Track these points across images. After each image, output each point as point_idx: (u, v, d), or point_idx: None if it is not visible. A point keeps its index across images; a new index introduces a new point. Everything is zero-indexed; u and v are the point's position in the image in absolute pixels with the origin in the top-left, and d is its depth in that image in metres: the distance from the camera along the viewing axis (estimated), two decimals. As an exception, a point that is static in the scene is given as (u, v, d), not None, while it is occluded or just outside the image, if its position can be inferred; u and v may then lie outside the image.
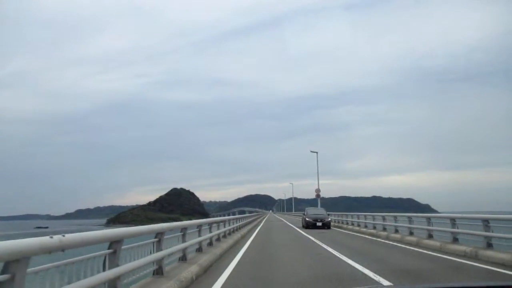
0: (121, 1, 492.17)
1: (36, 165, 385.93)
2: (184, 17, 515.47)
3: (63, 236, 3.49)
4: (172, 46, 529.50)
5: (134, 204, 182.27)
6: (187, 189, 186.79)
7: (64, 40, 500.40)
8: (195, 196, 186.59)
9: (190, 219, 13.41)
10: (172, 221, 10.95)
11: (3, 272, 2.95)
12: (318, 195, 45.59)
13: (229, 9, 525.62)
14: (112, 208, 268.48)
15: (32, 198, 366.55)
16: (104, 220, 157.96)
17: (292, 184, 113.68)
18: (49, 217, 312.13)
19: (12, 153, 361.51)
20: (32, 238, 3.19)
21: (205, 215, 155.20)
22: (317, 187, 45.99)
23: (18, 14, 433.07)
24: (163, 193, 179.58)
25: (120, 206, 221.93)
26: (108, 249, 4.90)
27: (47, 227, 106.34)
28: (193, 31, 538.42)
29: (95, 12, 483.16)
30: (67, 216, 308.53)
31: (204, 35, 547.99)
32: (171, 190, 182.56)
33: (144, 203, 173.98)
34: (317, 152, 45.68)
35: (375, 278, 7.20)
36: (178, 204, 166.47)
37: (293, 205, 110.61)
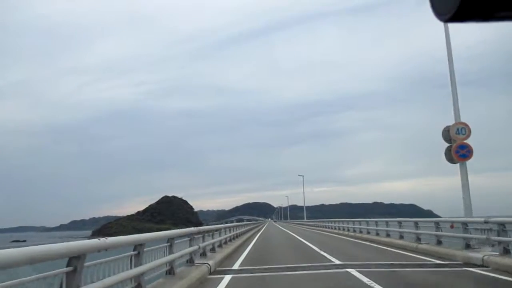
0: (120, 9, 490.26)
1: (32, 175, 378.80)
2: (184, 24, 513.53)
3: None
4: (171, 53, 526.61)
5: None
6: (179, 196, 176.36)
7: (63, 48, 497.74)
8: (188, 204, 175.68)
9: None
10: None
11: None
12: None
13: (230, 16, 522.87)
14: (107, 218, 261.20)
15: (27, 210, 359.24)
16: (90, 232, 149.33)
17: (302, 176, 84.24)
18: (44, 229, 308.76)
19: (6, 164, 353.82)
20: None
21: (199, 224, 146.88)
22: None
23: (17, 23, 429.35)
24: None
25: (116, 217, 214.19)
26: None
27: (24, 241, 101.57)
28: (192, 38, 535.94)
29: (94, 20, 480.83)
30: (61, 227, 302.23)
31: (204, 42, 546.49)
32: (162, 198, 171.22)
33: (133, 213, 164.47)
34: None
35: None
36: (170, 213, 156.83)
37: (304, 210, 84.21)
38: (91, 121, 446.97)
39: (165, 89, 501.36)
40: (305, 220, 66.37)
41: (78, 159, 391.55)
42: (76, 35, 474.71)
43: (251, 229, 35.49)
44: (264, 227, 55.39)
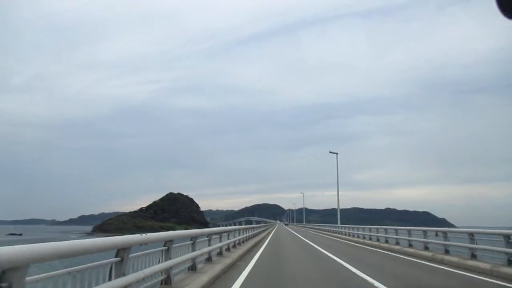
0: (134, 7, 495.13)
1: (45, 170, 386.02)
2: (197, 23, 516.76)
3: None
4: (184, 52, 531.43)
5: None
6: (185, 194, 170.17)
7: (77, 46, 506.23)
8: (194, 202, 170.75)
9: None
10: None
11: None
12: None
13: (243, 16, 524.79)
14: (116, 214, 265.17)
15: (40, 203, 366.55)
16: (91, 228, 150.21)
17: (336, 153, 49.92)
18: (54, 222, 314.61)
19: (21, 157, 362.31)
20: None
21: (204, 224, 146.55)
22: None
23: (33, 20, 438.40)
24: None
25: (125, 213, 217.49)
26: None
27: (20, 234, 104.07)
28: (205, 38, 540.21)
29: (108, 18, 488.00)
30: (70, 221, 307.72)
31: (216, 42, 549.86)
32: (167, 194, 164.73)
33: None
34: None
35: None
36: (174, 211, 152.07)
37: (338, 211, 45.88)
38: (102, 117, 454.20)
39: (178, 88, 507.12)
40: (338, 225, 41.28)
41: (90, 155, 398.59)
42: (90, 33, 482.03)
43: (254, 236, 27.15)
44: (272, 232, 44.48)
